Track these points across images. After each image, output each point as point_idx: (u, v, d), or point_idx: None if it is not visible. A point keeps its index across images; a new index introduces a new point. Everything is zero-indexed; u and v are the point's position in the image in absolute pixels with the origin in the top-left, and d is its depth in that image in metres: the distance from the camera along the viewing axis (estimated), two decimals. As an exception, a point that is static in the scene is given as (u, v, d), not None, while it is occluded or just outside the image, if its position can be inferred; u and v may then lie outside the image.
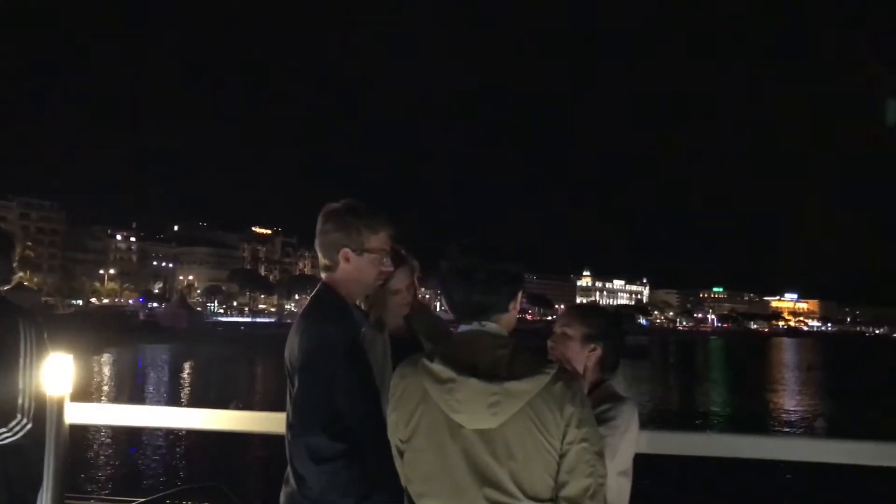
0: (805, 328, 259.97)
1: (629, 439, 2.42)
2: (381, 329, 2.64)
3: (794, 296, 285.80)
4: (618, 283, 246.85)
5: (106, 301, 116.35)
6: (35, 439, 2.89)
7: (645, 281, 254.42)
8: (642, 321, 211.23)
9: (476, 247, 2.00)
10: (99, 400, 28.99)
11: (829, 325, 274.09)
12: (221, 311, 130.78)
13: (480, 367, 1.85)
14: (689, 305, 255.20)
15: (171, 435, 19.50)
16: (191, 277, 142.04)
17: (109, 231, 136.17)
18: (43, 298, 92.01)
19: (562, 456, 1.84)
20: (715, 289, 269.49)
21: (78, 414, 3.17)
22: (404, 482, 1.97)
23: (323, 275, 2.57)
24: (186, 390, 36.91)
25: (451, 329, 2.13)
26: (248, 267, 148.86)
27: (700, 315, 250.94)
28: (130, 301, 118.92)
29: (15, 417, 2.79)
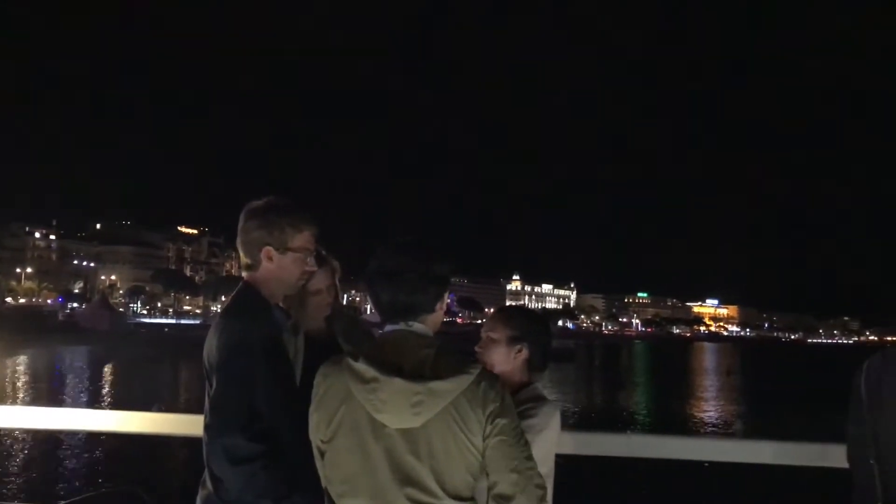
0: (725, 333, 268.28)
1: (546, 439, 2.42)
2: (296, 331, 2.59)
3: (716, 301, 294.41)
4: (546, 288, 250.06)
5: (23, 301, 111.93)
6: None
7: (573, 285, 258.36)
8: (569, 325, 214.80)
9: (404, 247, 2.00)
10: (14, 403, 27.90)
11: (748, 330, 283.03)
12: (145, 312, 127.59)
13: (405, 367, 1.85)
14: (614, 310, 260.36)
15: (90, 439, 18.92)
16: (113, 277, 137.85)
17: (27, 228, 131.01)
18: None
19: (484, 454, 1.86)
20: (640, 294, 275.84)
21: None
22: (325, 482, 1.96)
23: (244, 274, 2.50)
24: (107, 393, 35.84)
25: (375, 330, 2.12)
26: (173, 267, 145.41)
27: (625, 319, 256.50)
28: (49, 301, 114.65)
29: None
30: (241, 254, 2.50)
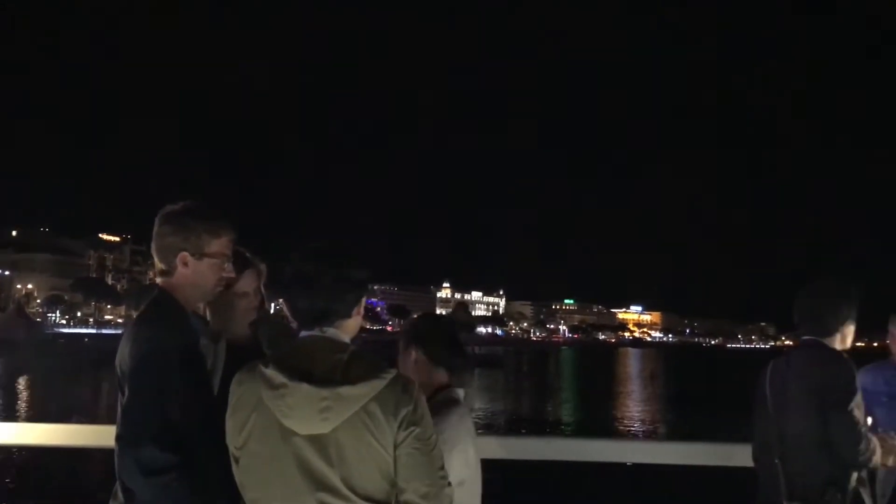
0: (648, 339, 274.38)
1: (461, 450, 2.45)
2: (217, 338, 2.55)
3: (640, 308, 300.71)
4: (476, 295, 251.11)
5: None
6: None
7: (502, 293, 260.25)
8: (498, 332, 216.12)
9: (320, 252, 2.00)
10: (-82, 418, 26.50)
11: (671, 335, 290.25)
12: (64, 322, 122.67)
13: (315, 373, 1.86)
14: (542, 317, 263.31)
15: (2, 453, 18.13)
16: (30, 286, 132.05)
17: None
18: None
19: (396, 459, 1.87)
20: (567, 301, 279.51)
21: None
22: (240, 489, 1.95)
23: (159, 280, 2.44)
24: (22, 406, 34.40)
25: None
26: (94, 275, 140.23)
27: (553, 326, 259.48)
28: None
29: None
30: (156, 259, 2.45)
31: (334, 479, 1.83)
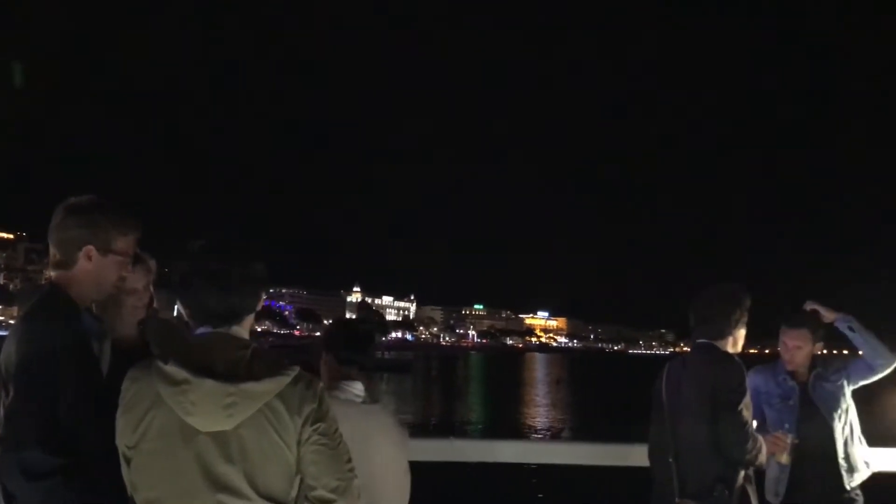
0: (554, 344, 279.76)
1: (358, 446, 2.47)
2: (104, 337, 2.44)
3: (546, 314, 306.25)
4: (387, 300, 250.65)
5: None
6: None
7: (412, 297, 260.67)
8: (409, 336, 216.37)
9: (225, 248, 1.96)
10: None
11: (576, 341, 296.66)
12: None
13: (218, 369, 1.81)
14: (452, 322, 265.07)
15: None
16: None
17: None
18: None
19: (301, 457, 1.85)
20: (476, 306, 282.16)
21: None
22: (130, 490, 1.89)
23: (53, 273, 2.34)
24: None
25: (189, 333, 2.07)
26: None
27: (462, 331, 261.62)
28: None
29: None
30: (54, 251, 2.34)
31: (235, 477, 1.80)
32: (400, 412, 33.28)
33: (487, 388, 61.00)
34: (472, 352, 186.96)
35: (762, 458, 3.30)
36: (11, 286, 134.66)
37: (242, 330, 1.94)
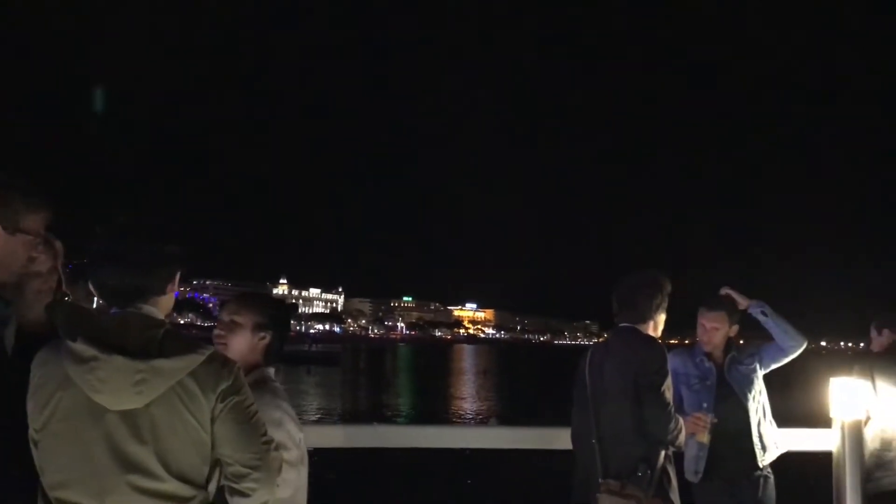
0: (482, 335, 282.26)
1: (286, 429, 2.42)
2: (8, 320, 2.31)
3: (474, 305, 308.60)
4: (314, 292, 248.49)
5: None
6: None
7: (340, 290, 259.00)
8: (336, 329, 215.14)
9: (131, 227, 1.92)
10: None
11: (503, 332, 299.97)
12: None
13: (129, 347, 1.77)
14: (380, 314, 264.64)
15: None
16: None
17: None
18: None
19: (215, 434, 1.83)
20: (405, 298, 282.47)
21: None
22: (39, 474, 1.83)
23: None
24: None
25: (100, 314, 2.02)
26: None
27: (391, 323, 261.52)
28: None
29: None
30: None
31: (146, 457, 1.76)
32: (327, 405, 33.09)
33: (415, 379, 61.14)
34: (401, 343, 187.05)
35: (682, 438, 3.39)
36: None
37: (154, 310, 1.90)
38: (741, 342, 4.19)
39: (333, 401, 35.19)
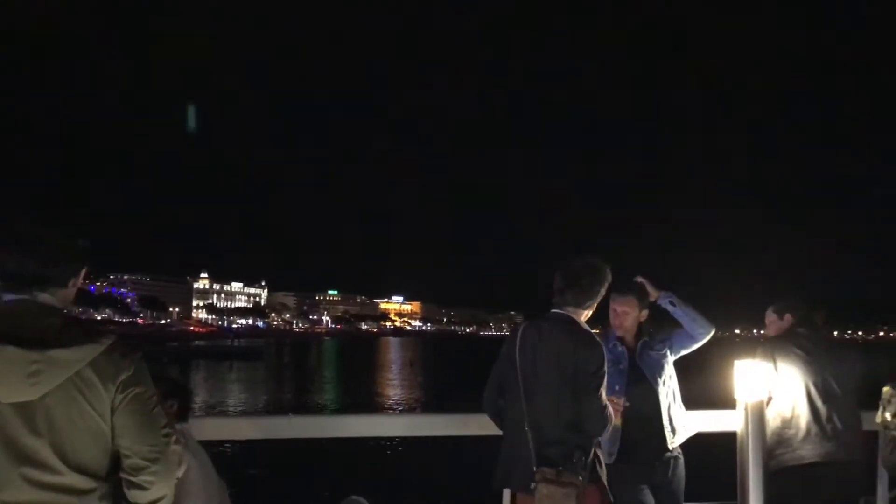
0: (409, 328, 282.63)
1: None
2: None
3: (401, 298, 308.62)
4: (236, 286, 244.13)
5: None
6: None
7: (264, 283, 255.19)
8: (259, 323, 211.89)
9: (45, 218, 1.89)
10: None
11: (429, 324, 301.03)
12: None
13: (24, 337, 1.73)
14: (305, 308, 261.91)
15: None
16: None
17: None
18: None
19: (115, 426, 1.81)
20: (330, 292, 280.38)
21: None
22: None
23: None
24: None
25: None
26: None
27: (316, 317, 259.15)
28: None
29: None
30: None
31: (42, 450, 1.72)
32: (251, 400, 32.63)
33: (341, 372, 60.85)
34: (326, 338, 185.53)
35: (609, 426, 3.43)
36: None
37: (52, 300, 1.87)
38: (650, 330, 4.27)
39: (257, 396, 34.71)
